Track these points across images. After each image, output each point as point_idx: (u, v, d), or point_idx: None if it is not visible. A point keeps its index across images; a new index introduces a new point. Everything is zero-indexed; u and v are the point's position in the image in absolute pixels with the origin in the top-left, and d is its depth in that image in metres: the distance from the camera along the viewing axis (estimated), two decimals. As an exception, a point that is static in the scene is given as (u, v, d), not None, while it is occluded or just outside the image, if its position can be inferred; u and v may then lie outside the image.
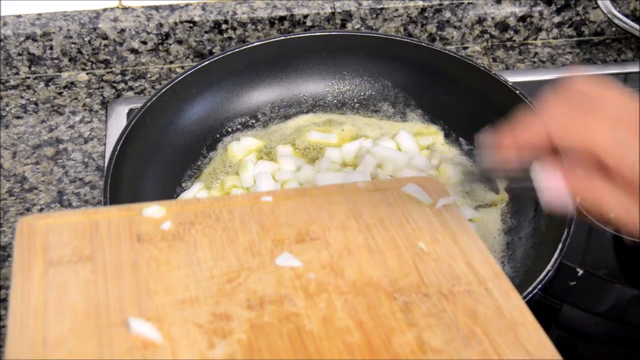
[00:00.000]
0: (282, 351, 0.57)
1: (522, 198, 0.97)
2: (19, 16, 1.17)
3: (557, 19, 1.23)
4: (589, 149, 0.60)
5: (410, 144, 1.04)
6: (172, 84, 1.01)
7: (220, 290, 0.62)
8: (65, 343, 0.57)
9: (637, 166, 0.59)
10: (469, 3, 1.21)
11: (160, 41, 1.19)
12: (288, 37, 1.07)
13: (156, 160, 1.00)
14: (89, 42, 1.17)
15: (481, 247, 0.68)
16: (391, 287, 0.63)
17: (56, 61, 1.19)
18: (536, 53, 1.23)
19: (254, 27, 1.19)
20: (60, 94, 1.17)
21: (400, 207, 0.72)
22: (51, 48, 1.17)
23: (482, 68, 1.02)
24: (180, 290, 0.62)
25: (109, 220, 0.67)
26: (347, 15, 1.19)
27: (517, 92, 0.98)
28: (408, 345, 0.58)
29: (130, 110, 1.13)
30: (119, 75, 1.20)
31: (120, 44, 1.18)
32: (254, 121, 1.08)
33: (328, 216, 0.70)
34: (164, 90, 1.00)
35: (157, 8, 1.18)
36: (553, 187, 0.62)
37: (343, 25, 1.20)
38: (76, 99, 1.16)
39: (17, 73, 1.19)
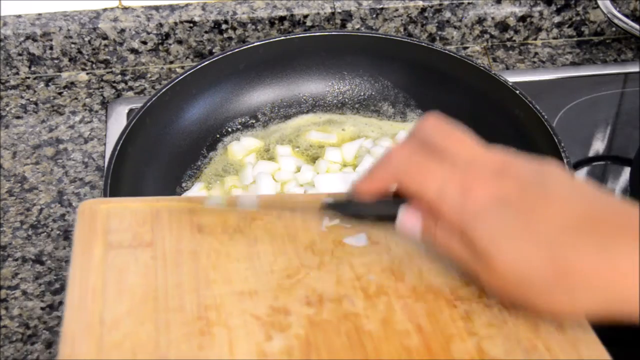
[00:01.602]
0: (340, 349, 0.57)
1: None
2: (19, 16, 1.17)
3: (557, 19, 1.23)
4: (426, 201, 0.60)
5: (410, 144, 1.04)
6: (172, 84, 1.01)
7: (280, 285, 0.62)
8: (123, 324, 0.57)
9: (472, 225, 0.57)
10: (469, 3, 1.21)
11: (160, 41, 1.19)
12: (288, 37, 1.07)
13: (156, 160, 1.00)
14: (89, 42, 1.17)
15: None
16: (452, 295, 0.62)
17: (56, 61, 1.19)
18: (536, 53, 1.23)
19: (254, 27, 1.19)
20: (60, 94, 1.17)
21: None
22: (51, 48, 1.17)
23: (482, 68, 1.02)
24: (240, 282, 0.62)
25: (170, 209, 0.67)
26: (347, 15, 1.19)
27: (517, 92, 0.98)
28: (467, 353, 0.57)
29: (130, 110, 1.13)
30: (119, 75, 1.20)
31: (120, 44, 1.18)
32: (254, 121, 1.08)
33: None
34: (164, 90, 1.00)
35: (157, 8, 1.18)
36: (409, 227, 0.62)
37: (343, 25, 1.20)
38: (76, 99, 1.16)
39: (17, 73, 1.19)
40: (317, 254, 0.65)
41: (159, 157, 1.00)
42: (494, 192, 0.57)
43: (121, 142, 0.94)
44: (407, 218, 0.62)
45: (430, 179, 0.59)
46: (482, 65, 1.03)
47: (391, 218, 0.64)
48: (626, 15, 1.17)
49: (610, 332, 0.88)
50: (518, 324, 0.60)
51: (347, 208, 0.67)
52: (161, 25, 1.18)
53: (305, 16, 1.19)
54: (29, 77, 1.19)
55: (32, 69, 1.19)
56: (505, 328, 0.60)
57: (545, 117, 0.96)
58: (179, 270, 0.62)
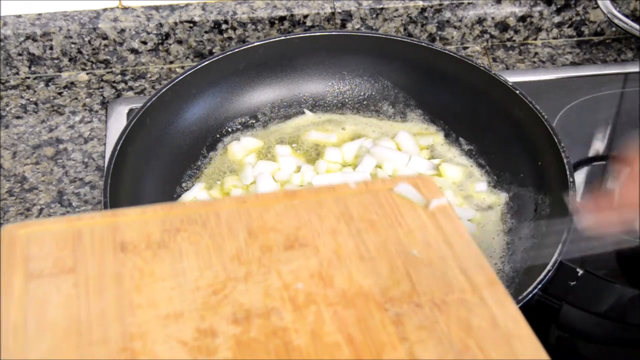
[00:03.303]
0: None
1: (522, 198, 0.97)
2: (19, 16, 1.17)
3: (557, 19, 1.23)
4: None
5: (410, 144, 1.04)
6: (172, 84, 1.01)
7: (206, 304, 0.59)
8: None
9: None
10: (469, 3, 1.21)
11: (160, 41, 1.19)
12: (288, 37, 1.07)
13: (156, 160, 1.00)
14: (89, 42, 1.17)
15: (476, 252, 0.65)
16: (382, 297, 0.61)
17: (56, 61, 1.19)
18: (536, 53, 1.23)
19: (254, 27, 1.19)
20: (60, 94, 1.17)
21: (392, 208, 0.69)
22: (51, 48, 1.17)
23: (482, 68, 1.02)
24: (164, 303, 0.59)
25: (92, 228, 0.64)
26: (347, 15, 1.19)
27: (517, 92, 0.98)
28: None
29: (130, 110, 1.13)
30: (119, 75, 1.20)
31: (120, 44, 1.18)
32: (254, 121, 1.08)
33: (318, 220, 0.67)
34: (164, 90, 1.00)
35: (157, 8, 1.18)
36: None
37: (343, 25, 1.20)
38: (76, 99, 1.16)
39: (17, 73, 1.19)
40: (244, 263, 0.62)
41: (159, 157, 1.00)
42: None
43: (121, 142, 0.94)
44: None
45: None
46: (482, 65, 1.03)
47: None
48: (626, 15, 1.17)
49: (610, 332, 0.88)
50: (450, 323, 0.59)
51: None
52: (161, 25, 1.18)
53: (305, 16, 1.19)
54: (29, 77, 1.19)
55: (32, 69, 1.19)
56: (437, 329, 0.58)
57: (545, 117, 0.96)
58: (102, 296, 0.59)
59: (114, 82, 1.19)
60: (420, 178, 0.73)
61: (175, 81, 1.01)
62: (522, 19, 1.22)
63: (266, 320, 0.58)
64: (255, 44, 1.05)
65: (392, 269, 0.63)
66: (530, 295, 0.80)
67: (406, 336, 0.58)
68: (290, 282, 0.61)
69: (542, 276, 0.82)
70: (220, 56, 1.04)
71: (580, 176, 1.07)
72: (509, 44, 1.24)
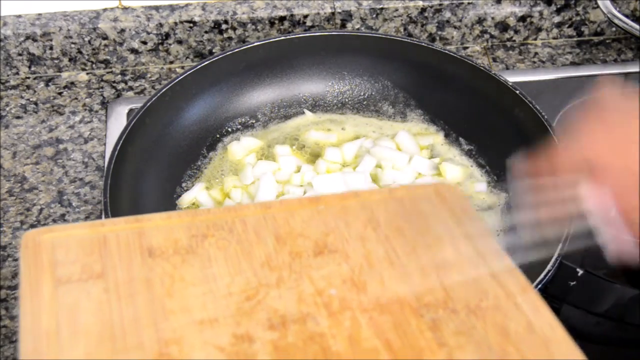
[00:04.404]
0: None
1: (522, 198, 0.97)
2: (19, 16, 1.17)
3: (557, 19, 1.23)
4: (631, 169, 0.59)
5: (410, 144, 1.04)
6: (172, 84, 1.01)
7: (240, 309, 0.59)
8: None
9: None
10: (469, 3, 1.21)
11: (160, 41, 1.19)
12: (288, 37, 1.07)
13: (156, 160, 1.00)
14: (89, 42, 1.17)
15: (505, 258, 0.65)
16: (417, 303, 0.60)
17: (56, 61, 1.19)
18: (536, 53, 1.23)
19: (254, 27, 1.19)
20: (60, 94, 1.17)
21: (418, 215, 0.69)
22: (51, 48, 1.17)
23: (482, 68, 1.02)
24: (198, 309, 0.59)
25: (117, 233, 0.64)
26: (347, 15, 1.19)
27: (517, 92, 0.98)
28: None
29: (130, 110, 1.13)
30: (119, 75, 1.20)
31: (120, 44, 1.18)
32: (254, 121, 1.08)
33: (345, 226, 0.67)
34: (164, 90, 1.00)
35: (157, 8, 1.18)
36: (600, 211, 0.61)
37: (343, 25, 1.20)
38: (76, 99, 1.16)
39: (17, 73, 1.19)
40: (275, 269, 0.62)
41: (159, 157, 1.00)
42: None
43: (121, 142, 0.94)
44: (596, 197, 0.61)
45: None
46: (482, 65, 1.03)
47: None
48: (626, 15, 1.17)
49: (610, 332, 0.88)
50: (487, 329, 0.58)
51: None
52: (161, 25, 1.18)
53: (305, 16, 1.19)
54: (29, 77, 1.19)
55: (32, 69, 1.19)
56: (474, 335, 0.58)
57: (545, 117, 0.96)
58: (134, 302, 0.59)
59: (114, 82, 1.19)
60: (444, 185, 0.73)
61: (175, 81, 1.01)
62: (522, 19, 1.22)
63: (302, 325, 0.58)
64: (255, 44, 1.05)
65: (424, 276, 0.62)
66: (530, 295, 0.80)
67: (444, 341, 0.58)
68: (323, 288, 0.61)
69: (542, 276, 0.82)
70: (220, 56, 1.04)
71: (580, 176, 1.07)
72: (509, 44, 1.24)
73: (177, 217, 0.67)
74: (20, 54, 1.17)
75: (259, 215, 0.67)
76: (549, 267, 0.83)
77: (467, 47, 1.24)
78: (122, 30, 1.17)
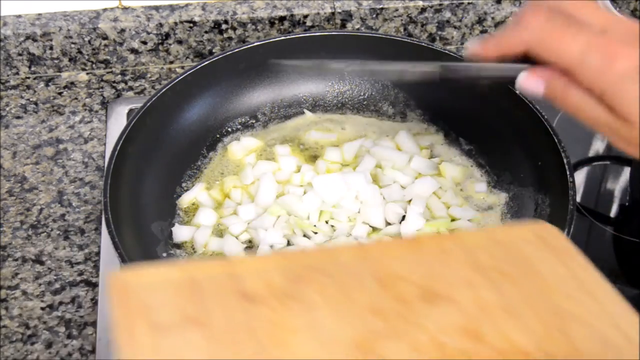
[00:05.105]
0: None
1: (522, 198, 0.97)
2: (19, 16, 1.17)
3: (557, 19, 1.23)
4: (564, 65, 0.64)
5: (410, 144, 1.04)
6: (172, 84, 1.01)
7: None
8: None
9: (617, 89, 0.62)
10: (469, 3, 1.21)
11: (160, 41, 1.19)
12: (288, 37, 1.07)
13: (156, 160, 1.00)
14: (89, 42, 1.17)
15: (621, 302, 0.60)
16: (541, 354, 0.56)
17: (56, 61, 1.19)
18: (536, 53, 1.23)
19: (254, 27, 1.19)
20: (60, 94, 1.17)
21: (523, 260, 0.64)
22: (51, 48, 1.17)
23: (482, 68, 1.02)
24: (306, 358, 0.55)
25: (209, 276, 0.60)
26: (347, 15, 1.19)
27: (517, 92, 0.98)
28: None
29: (130, 110, 1.13)
30: (119, 75, 1.20)
31: (120, 44, 1.18)
32: (254, 121, 1.08)
33: (448, 270, 0.62)
34: (164, 90, 1.00)
35: (157, 8, 1.18)
36: (532, 89, 0.67)
37: (343, 25, 1.20)
38: (76, 99, 1.16)
39: (17, 73, 1.19)
40: (381, 315, 0.58)
41: (159, 157, 1.00)
42: (637, 60, 0.62)
43: (121, 142, 0.94)
44: (529, 78, 0.66)
45: (571, 44, 0.63)
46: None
47: (509, 79, 0.66)
48: (626, 15, 1.17)
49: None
50: None
51: (463, 70, 0.70)
52: (161, 25, 1.18)
53: (305, 16, 1.19)
54: (29, 77, 1.19)
55: (32, 69, 1.19)
56: None
57: (545, 117, 0.96)
58: (240, 350, 0.54)
59: (114, 82, 1.19)
60: (543, 227, 0.68)
61: (175, 81, 1.01)
62: (522, 19, 1.22)
63: None
64: (255, 44, 1.05)
65: (543, 324, 0.58)
66: (530, 295, 0.80)
67: None
68: (437, 336, 0.57)
69: (542, 276, 0.82)
70: (220, 56, 1.04)
71: (580, 176, 1.07)
72: (509, 44, 1.24)
73: (270, 258, 0.63)
74: (20, 54, 1.17)
75: (356, 256, 0.63)
76: (549, 267, 0.83)
77: (467, 47, 1.24)
78: (122, 30, 1.17)
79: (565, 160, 0.91)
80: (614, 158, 1.12)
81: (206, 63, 1.03)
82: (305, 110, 1.09)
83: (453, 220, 0.96)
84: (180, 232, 0.96)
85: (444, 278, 0.61)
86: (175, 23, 1.18)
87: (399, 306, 0.59)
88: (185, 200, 0.99)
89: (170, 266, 0.62)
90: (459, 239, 0.66)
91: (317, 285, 0.60)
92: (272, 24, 1.19)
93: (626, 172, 1.08)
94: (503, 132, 1.01)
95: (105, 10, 1.18)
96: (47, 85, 1.18)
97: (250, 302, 0.58)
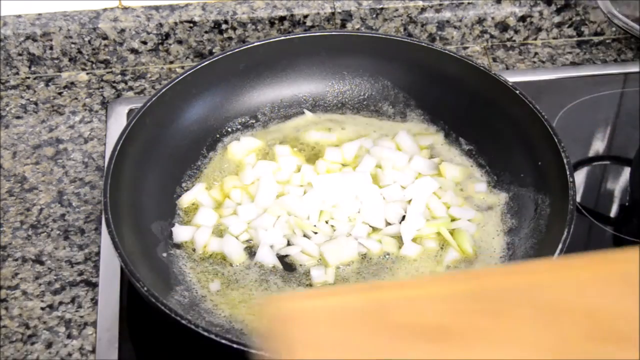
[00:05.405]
0: None
1: (522, 198, 0.97)
2: (19, 16, 1.17)
3: (557, 19, 1.23)
4: None
5: (410, 144, 1.04)
6: (172, 84, 1.01)
7: None
8: None
9: None
10: (469, 3, 1.21)
11: (160, 41, 1.19)
12: (288, 37, 1.07)
13: (156, 160, 1.00)
14: (89, 42, 1.17)
15: None
16: None
17: (56, 61, 1.19)
18: (536, 53, 1.23)
19: (254, 27, 1.19)
20: (60, 94, 1.17)
21: None
22: (51, 48, 1.17)
23: (482, 68, 1.02)
24: None
25: (361, 308, 0.54)
26: (347, 15, 1.19)
27: (517, 92, 0.98)
28: None
29: (130, 110, 1.13)
30: (119, 75, 1.20)
31: (120, 44, 1.18)
32: (254, 121, 1.08)
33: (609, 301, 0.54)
34: (164, 90, 1.00)
35: (157, 8, 1.18)
36: None
37: (343, 25, 1.20)
38: (76, 99, 1.16)
39: (17, 73, 1.19)
40: (568, 355, 0.51)
41: (159, 157, 1.00)
42: None
43: (121, 142, 0.94)
44: None
45: None
46: (482, 65, 1.03)
47: None
48: (626, 15, 1.17)
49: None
50: None
51: None
52: (161, 25, 1.18)
53: (305, 16, 1.19)
54: (29, 77, 1.19)
55: (32, 69, 1.19)
56: None
57: (545, 117, 0.96)
58: None
59: (114, 82, 1.19)
60: None
61: (175, 81, 1.01)
62: (522, 19, 1.22)
63: None
64: (255, 44, 1.05)
65: None
66: (530, 295, 0.80)
67: None
68: None
69: (542, 276, 0.82)
70: (220, 56, 1.04)
71: (580, 176, 1.07)
72: (509, 44, 1.24)
73: (424, 287, 0.57)
74: (20, 54, 1.17)
75: (527, 283, 0.56)
76: (549, 267, 0.83)
77: (467, 47, 1.24)
78: (122, 30, 1.17)
79: (565, 160, 0.91)
80: (614, 158, 1.12)
81: (206, 63, 1.03)
82: (305, 110, 1.09)
83: (453, 220, 0.96)
84: (180, 232, 0.96)
85: (622, 315, 0.53)
86: (175, 23, 1.18)
87: (587, 344, 0.51)
88: (185, 200, 0.99)
89: (325, 293, 0.57)
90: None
91: (474, 319, 0.53)
92: (272, 24, 1.19)
93: (626, 172, 1.08)
94: (503, 132, 1.01)
95: (105, 10, 1.18)
96: (47, 85, 1.18)
97: (408, 338, 0.53)
